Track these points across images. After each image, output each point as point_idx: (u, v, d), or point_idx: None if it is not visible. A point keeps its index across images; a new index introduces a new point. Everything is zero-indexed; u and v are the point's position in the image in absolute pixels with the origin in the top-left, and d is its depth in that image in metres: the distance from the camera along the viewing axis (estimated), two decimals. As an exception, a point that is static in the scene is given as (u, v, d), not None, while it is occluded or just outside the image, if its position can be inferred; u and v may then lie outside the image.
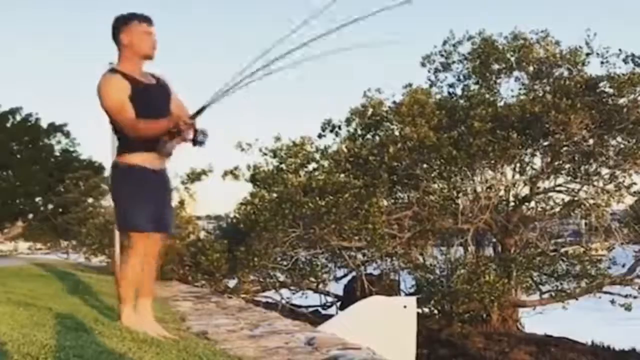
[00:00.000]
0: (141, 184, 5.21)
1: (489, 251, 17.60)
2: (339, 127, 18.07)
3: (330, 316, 15.12)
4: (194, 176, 17.64)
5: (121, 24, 5.27)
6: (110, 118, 5.23)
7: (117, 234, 15.13)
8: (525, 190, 17.16)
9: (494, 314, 16.36)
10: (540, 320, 16.97)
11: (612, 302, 16.08)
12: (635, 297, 15.95)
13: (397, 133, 16.59)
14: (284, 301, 16.67)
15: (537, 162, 16.89)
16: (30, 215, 37.67)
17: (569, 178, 16.79)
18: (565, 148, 15.99)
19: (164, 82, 5.46)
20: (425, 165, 16.00)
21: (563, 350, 15.63)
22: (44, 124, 37.56)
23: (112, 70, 5.26)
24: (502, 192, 17.07)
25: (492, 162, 16.10)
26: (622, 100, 15.53)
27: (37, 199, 36.83)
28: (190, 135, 5.16)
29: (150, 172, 5.23)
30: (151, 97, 5.23)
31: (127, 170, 5.22)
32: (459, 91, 17.70)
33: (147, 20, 5.29)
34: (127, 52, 5.26)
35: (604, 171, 16.33)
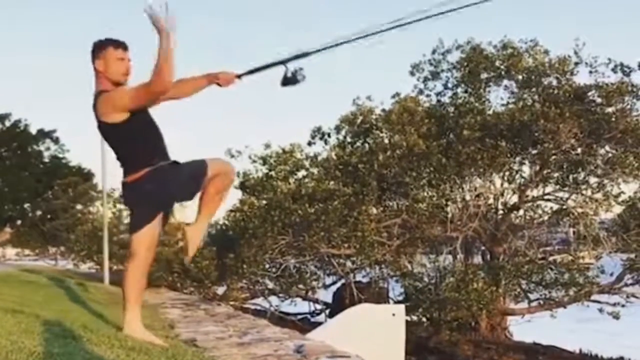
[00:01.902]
0: (152, 180, 5.21)
1: (478, 259, 17.63)
2: (329, 135, 18.11)
3: (319, 324, 15.12)
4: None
5: (97, 49, 5.25)
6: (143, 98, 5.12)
7: (105, 241, 15.16)
8: (514, 199, 17.19)
9: (482, 322, 16.39)
10: (528, 328, 16.99)
11: (601, 310, 16.11)
12: (623, 306, 15.99)
13: (386, 141, 16.62)
14: (272, 308, 16.67)
15: (526, 170, 16.97)
16: (19, 222, 37.59)
17: (558, 186, 16.84)
18: (553, 157, 16.04)
19: None
20: (414, 173, 16.01)
21: (551, 358, 15.70)
22: (33, 130, 37.54)
23: (101, 92, 5.23)
24: (491, 200, 17.12)
25: (481, 170, 16.13)
26: (610, 109, 15.59)
27: (25, 205, 36.77)
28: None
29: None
30: (146, 114, 5.26)
31: (137, 182, 5.23)
32: (447, 99, 17.72)
33: (122, 45, 5.25)
34: (101, 77, 5.22)
35: (592, 180, 16.40)
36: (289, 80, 5.32)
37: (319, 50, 5.21)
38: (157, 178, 5.20)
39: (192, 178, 5.39)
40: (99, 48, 5.25)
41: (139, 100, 5.07)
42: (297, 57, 5.28)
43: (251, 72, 5.48)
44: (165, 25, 4.79)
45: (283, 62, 5.32)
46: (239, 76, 5.48)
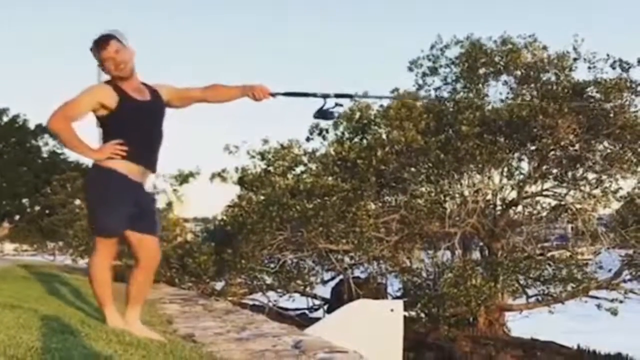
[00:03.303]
0: (113, 187, 5.20)
1: (476, 255, 17.62)
2: (327, 131, 18.08)
3: (317, 319, 15.10)
4: (182, 178, 17.64)
5: (93, 56, 5.34)
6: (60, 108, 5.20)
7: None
8: (513, 195, 17.17)
9: (480, 318, 16.38)
10: (526, 324, 16.99)
11: (599, 306, 16.12)
12: (621, 302, 15.99)
13: (384, 136, 16.59)
14: (271, 304, 16.64)
15: (525, 166, 16.94)
16: (17, 217, 37.56)
17: (556, 182, 16.82)
18: (552, 152, 16.03)
19: (159, 96, 5.47)
20: (412, 169, 16.00)
21: (549, 354, 15.68)
22: (31, 125, 37.46)
23: (107, 82, 5.30)
24: (489, 196, 17.10)
25: (480, 166, 16.12)
26: (609, 105, 15.57)
27: (23, 200, 36.73)
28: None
29: (127, 179, 5.23)
30: (137, 114, 5.25)
31: (107, 173, 5.21)
32: (446, 95, 17.71)
33: (98, 45, 5.29)
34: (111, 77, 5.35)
35: (591, 176, 16.38)
36: (324, 115, 5.45)
37: (361, 97, 5.39)
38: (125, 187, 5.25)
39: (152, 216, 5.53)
40: (93, 56, 5.34)
41: (59, 110, 5.20)
42: (340, 96, 5.36)
43: (287, 94, 5.52)
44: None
45: (324, 97, 5.39)
46: (273, 94, 5.51)
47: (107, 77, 5.39)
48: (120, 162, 5.17)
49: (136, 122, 5.21)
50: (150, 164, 5.41)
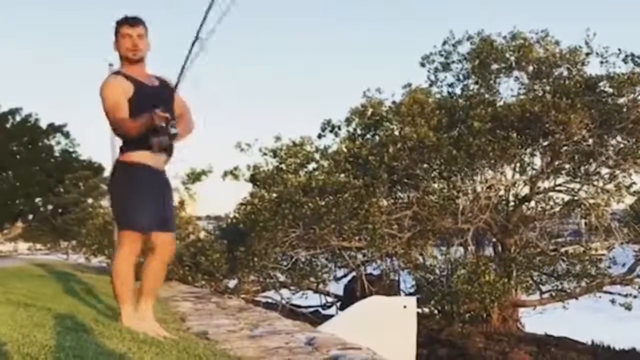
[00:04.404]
0: (143, 183, 5.25)
1: (489, 251, 17.57)
2: (339, 127, 18.06)
3: (330, 316, 15.12)
4: (194, 176, 17.68)
5: (115, 29, 5.41)
6: (108, 119, 5.29)
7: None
8: (525, 190, 17.14)
9: (494, 314, 16.34)
10: (540, 319, 16.95)
11: (613, 301, 16.07)
12: (635, 297, 15.94)
13: (397, 133, 16.57)
14: (284, 301, 16.66)
15: (537, 161, 16.87)
16: (30, 216, 37.76)
17: (569, 178, 16.76)
18: (565, 148, 15.96)
19: (168, 85, 5.47)
20: (425, 165, 15.97)
21: (563, 349, 15.62)
22: (43, 124, 37.64)
23: (115, 73, 5.35)
24: (502, 192, 17.05)
25: (492, 161, 16.08)
26: (621, 100, 15.51)
27: (36, 200, 36.90)
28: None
29: (152, 170, 5.27)
30: (150, 99, 5.24)
31: (128, 169, 5.27)
32: (458, 91, 17.68)
33: (128, 21, 5.38)
34: (119, 56, 5.43)
35: (604, 171, 16.31)
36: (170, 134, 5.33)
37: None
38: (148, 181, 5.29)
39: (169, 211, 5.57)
40: (115, 27, 5.40)
41: (111, 120, 5.29)
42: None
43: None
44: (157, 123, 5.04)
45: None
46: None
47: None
48: (142, 154, 5.22)
49: (146, 108, 5.23)
50: (170, 148, 5.46)
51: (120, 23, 5.35)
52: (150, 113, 5.04)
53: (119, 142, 5.48)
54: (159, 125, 5.06)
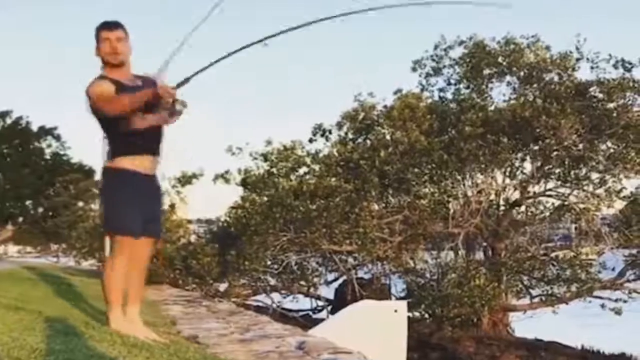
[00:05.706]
0: (131, 188, 5.26)
1: (480, 255, 17.59)
2: (330, 131, 18.05)
3: (321, 320, 15.09)
4: (185, 180, 17.64)
5: (95, 35, 5.44)
6: (98, 111, 5.28)
7: (107, 237, 15.13)
8: (516, 195, 17.16)
9: (484, 318, 16.35)
10: (530, 324, 16.97)
11: (603, 306, 16.10)
12: (625, 302, 15.98)
13: (388, 137, 16.59)
14: (274, 305, 16.64)
15: (528, 166, 16.89)
16: (20, 219, 37.66)
17: (559, 182, 16.78)
18: (555, 152, 15.99)
19: (149, 79, 5.49)
20: (416, 170, 15.98)
21: (553, 354, 15.66)
22: (34, 127, 37.56)
23: (99, 77, 5.37)
24: (492, 196, 17.07)
25: (483, 166, 16.10)
26: (611, 105, 15.56)
27: (27, 202, 36.84)
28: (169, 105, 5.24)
29: (141, 176, 5.28)
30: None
31: (117, 174, 5.27)
32: (449, 95, 17.70)
33: (106, 26, 5.43)
34: (101, 61, 5.45)
35: (594, 176, 16.33)
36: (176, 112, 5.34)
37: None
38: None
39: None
40: (95, 35, 5.44)
41: (103, 105, 5.25)
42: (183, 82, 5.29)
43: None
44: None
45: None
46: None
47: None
48: (131, 160, 5.23)
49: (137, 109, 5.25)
50: (158, 150, 5.47)
51: (99, 28, 5.39)
52: (157, 87, 5.16)
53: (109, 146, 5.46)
54: (165, 101, 5.13)
